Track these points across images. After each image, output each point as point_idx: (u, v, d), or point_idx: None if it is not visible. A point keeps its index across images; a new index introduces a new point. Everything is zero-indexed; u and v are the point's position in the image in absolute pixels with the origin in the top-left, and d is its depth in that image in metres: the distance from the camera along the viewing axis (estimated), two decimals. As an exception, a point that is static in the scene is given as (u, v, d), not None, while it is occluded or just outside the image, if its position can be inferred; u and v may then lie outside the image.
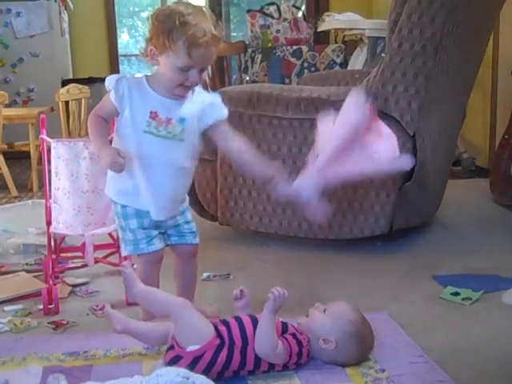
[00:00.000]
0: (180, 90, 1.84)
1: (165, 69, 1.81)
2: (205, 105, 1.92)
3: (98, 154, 1.92)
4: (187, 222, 2.02)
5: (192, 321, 1.69)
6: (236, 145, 1.98)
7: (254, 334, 1.68)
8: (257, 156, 1.98)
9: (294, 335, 1.73)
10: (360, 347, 1.74)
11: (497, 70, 4.23)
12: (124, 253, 2.02)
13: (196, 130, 1.91)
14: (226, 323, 1.72)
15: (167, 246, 2.03)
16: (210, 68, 5.32)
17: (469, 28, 2.75)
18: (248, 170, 2.03)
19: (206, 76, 1.86)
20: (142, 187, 1.89)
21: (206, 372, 1.58)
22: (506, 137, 3.62)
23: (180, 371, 1.45)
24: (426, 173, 2.74)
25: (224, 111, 1.95)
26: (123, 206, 1.93)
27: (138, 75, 1.92)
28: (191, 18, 1.74)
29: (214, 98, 1.97)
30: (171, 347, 1.68)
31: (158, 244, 1.96)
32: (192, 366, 1.59)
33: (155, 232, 1.96)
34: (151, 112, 1.83)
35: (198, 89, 1.92)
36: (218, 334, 1.68)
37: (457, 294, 2.23)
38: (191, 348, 1.64)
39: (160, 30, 1.76)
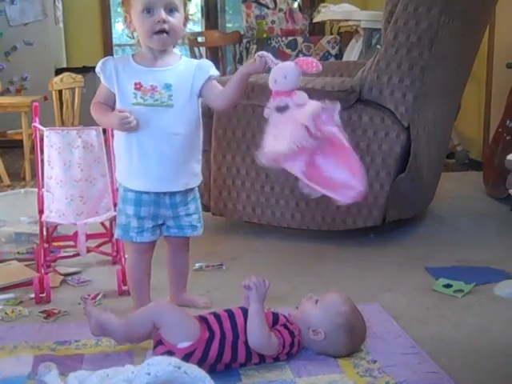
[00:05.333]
0: (157, 39, 1.83)
1: (136, 24, 1.84)
2: (193, 68, 1.90)
3: (110, 126, 1.91)
4: (188, 215, 1.98)
5: (177, 319, 1.67)
6: (221, 93, 1.91)
7: (245, 326, 1.68)
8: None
9: (285, 326, 1.73)
10: (350, 338, 1.74)
11: (492, 63, 4.23)
12: (115, 235, 2.04)
13: (187, 96, 1.89)
14: (216, 316, 1.72)
15: (165, 236, 2.01)
16: (204, 58, 5.31)
17: (465, 20, 2.74)
18: (236, 94, 1.89)
19: (180, 21, 1.84)
20: (139, 161, 1.88)
21: (198, 366, 1.57)
22: (500, 130, 3.63)
23: (171, 360, 1.44)
24: (420, 165, 2.74)
25: (212, 70, 1.91)
26: (125, 190, 1.93)
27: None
28: None
29: (202, 61, 1.97)
30: (160, 342, 1.66)
31: (148, 237, 1.95)
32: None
33: (150, 224, 1.94)
34: (135, 83, 1.85)
35: (185, 57, 1.94)
36: (208, 327, 1.67)
37: (449, 285, 2.24)
38: (182, 345, 1.63)
39: None
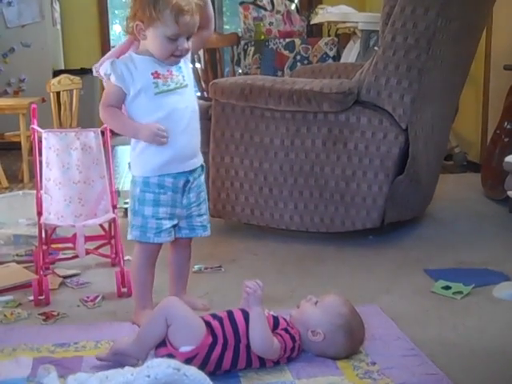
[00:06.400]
0: (172, 59, 1.90)
1: (154, 42, 1.86)
2: None
3: (135, 136, 1.90)
4: (200, 215, 2.02)
5: (186, 319, 1.66)
6: None
7: (246, 329, 1.68)
8: None
9: (286, 330, 1.73)
10: (349, 340, 1.74)
11: (489, 65, 4.24)
12: (129, 237, 1.99)
13: (191, 73, 1.99)
14: (218, 319, 1.71)
15: (176, 238, 2.01)
16: (202, 60, 5.33)
17: (462, 22, 2.74)
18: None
19: (191, 44, 1.92)
20: (177, 144, 1.90)
21: None
22: (498, 132, 3.64)
23: (171, 362, 1.44)
24: (418, 166, 2.75)
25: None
26: (142, 191, 1.92)
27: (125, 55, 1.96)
28: None
29: None
30: (163, 343, 1.65)
31: (165, 237, 1.96)
32: None
33: (167, 225, 1.94)
34: (152, 73, 1.88)
35: None
36: (211, 331, 1.66)
37: (448, 287, 2.24)
38: (184, 349, 1.62)
39: (145, 3, 1.82)
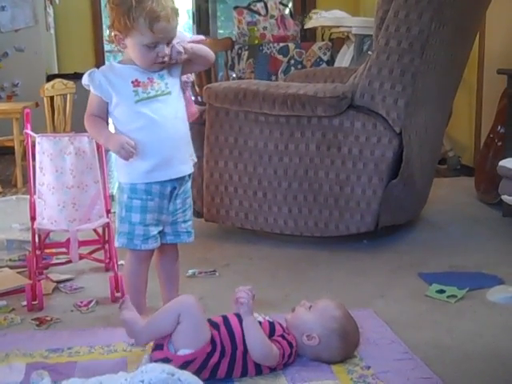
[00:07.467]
0: (156, 66, 1.89)
1: (133, 51, 1.85)
2: None
3: (107, 146, 1.90)
4: (185, 221, 2.01)
5: (196, 323, 1.66)
6: None
7: (242, 335, 1.67)
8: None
9: (283, 336, 1.73)
10: (343, 343, 1.74)
11: (482, 70, 4.25)
12: (116, 244, 2.00)
13: (177, 81, 1.96)
14: (215, 325, 1.70)
15: (161, 244, 2.01)
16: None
17: (455, 26, 2.75)
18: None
19: (173, 48, 1.89)
20: (160, 152, 1.89)
21: None
22: (491, 136, 3.64)
23: (165, 367, 1.44)
24: (412, 170, 2.75)
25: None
26: (129, 198, 1.92)
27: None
28: None
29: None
30: (159, 346, 1.65)
31: (152, 244, 1.95)
32: None
33: (155, 231, 1.94)
34: (132, 82, 1.87)
35: None
36: (211, 339, 1.66)
37: (442, 291, 2.24)
38: (182, 352, 1.62)
39: (119, 12, 1.80)
